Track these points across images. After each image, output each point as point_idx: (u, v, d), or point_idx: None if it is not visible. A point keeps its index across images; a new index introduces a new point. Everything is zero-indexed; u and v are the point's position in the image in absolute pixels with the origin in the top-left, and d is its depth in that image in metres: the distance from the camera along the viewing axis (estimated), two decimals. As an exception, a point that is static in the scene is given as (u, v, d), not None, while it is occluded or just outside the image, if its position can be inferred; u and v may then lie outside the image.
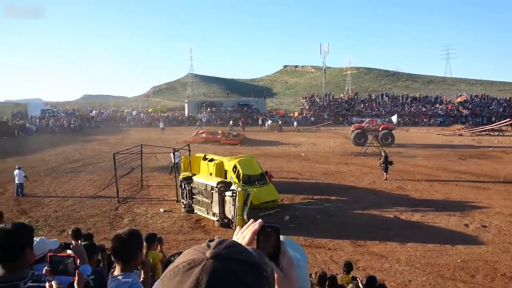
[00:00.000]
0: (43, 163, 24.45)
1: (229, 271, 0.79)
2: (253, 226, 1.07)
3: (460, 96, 62.25)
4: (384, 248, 10.49)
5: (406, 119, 54.92)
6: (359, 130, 32.71)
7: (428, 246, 10.58)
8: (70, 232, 6.73)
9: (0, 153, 28.32)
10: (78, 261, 2.46)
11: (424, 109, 58.11)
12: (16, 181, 16.20)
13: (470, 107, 57.70)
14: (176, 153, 19.66)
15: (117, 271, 2.75)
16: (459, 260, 9.64)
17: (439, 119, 54.91)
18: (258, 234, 1.04)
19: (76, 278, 2.31)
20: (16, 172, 16.22)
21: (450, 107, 58.40)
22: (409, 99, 62.44)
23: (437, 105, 59.27)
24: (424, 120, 54.89)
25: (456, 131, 42.58)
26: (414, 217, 13.07)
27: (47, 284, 2.02)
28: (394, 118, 38.58)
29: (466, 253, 10.09)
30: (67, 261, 2.34)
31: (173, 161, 19.79)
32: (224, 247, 0.84)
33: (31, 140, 36.88)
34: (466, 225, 12.23)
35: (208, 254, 0.81)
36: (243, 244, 0.98)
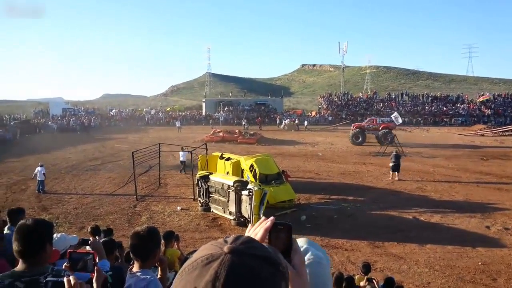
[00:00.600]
0: (64, 160, 24.96)
1: (246, 266, 0.80)
2: (265, 223, 1.08)
3: (482, 95, 60.90)
4: (403, 249, 10.33)
5: (427, 118, 54.01)
6: (357, 129, 32.52)
7: (448, 248, 10.38)
8: (89, 229, 6.85)
9: (22, 150, 29.07)
10: (97, 257, 2.49)
11: (445, 108, 57.06)
12: (38, 178, 16.58)
13: (492, 106, 56.41)
14: (182, 152, 19.87)
15: (135, 268, 2.78)
16: (480, 263, 9.42)
17: (460, 119, 53.87)
18: (270, 231, 1.05)
19: (95, 274, 2.33)
20: (37, 169, 16.60)
21: (472, 106, 57.20)
22: (429, 99, 61.40)
23: (458, 105, 58.12)
24: (445, 119, 53.89)
25: (478, 131, 41.66)
26: (434, 218, 12.83)
27: (65, 279, 2.05)
28: (398, 119, 37.84)
29: (487, 256, 9.85)
30: (87, 258, 2.37)
31: (180, 159, 20.07)
32: (241, 243, 0.86)
33: (52, 138, 37.68)
34: (488, 227, 11.94)
35: (225, 249, 0.82)
36: None
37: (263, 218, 1.12)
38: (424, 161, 23.67)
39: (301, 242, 1.33)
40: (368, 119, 36.76)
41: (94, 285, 2.33)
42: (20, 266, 2.28)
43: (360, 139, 31.66)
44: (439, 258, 9.76)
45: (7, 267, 2.35)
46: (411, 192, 16.23)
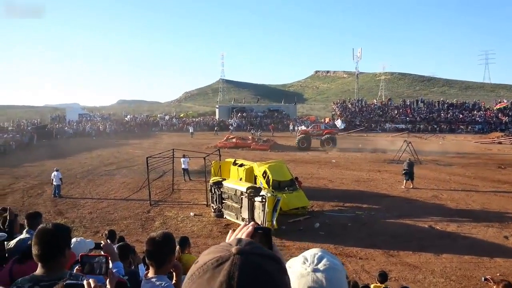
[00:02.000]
0: (80, 165, 25.30)
1: (256, 264, 0.86)
2: (246, 228, 1.14)
3: (500, 102, 59.82)
4: (418, 258, 10.17)
5: (443, 126, 53.30)
6: (303, 135, 34.47)
7: (464, 258, 10.18)
8: (106, 233, 6.92)
9: (39, 155, 29.58)
10: (110, 260, 2.50)
11: (461, 115, 56.22)
12: (54, 183, 16.82)
13: (510, 114, 55.33)
14: (183, 159, 19.85)
15: (150, 273, 2.79)
16: (498, 274, 9.19)
17: (477, 126, 52.95)
18: (251, 236, 1.11)
19: (108, 277, 2.33)
20: (54, 174, 16.85)
21: (488, 114, 56.24)
22: (445, 106, 60.59)
23: (475, 112, 57.20)
24: (461, 127, 53.05)
25: (495, 139, 40.93)
26: (450, 227, 12.61)
27: (85, 282, 2.07)
28: (339, 123, 39.96)
29: (505, 267, 9.63)
30: (94, 260, 2.36)
31: (182, 166, 20.01)
32: (245, 244, 0.91)
33: (68, 143, 38.28)
34: (506, 237, 11.68)
35: (234, 250, 0.87)
36: None
37: (243, 223, 1.18)
38: (440, 169, 23.33)
39: (316, 250, 1.33)
40: (313, 125, 39.56)
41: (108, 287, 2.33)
42: (39, 271, 2.30)
43: (305, 144, 33.38)
44: (455, 268, 9.58)
45: (35, 269, 2.38)
46: (426, 200, 15.99)
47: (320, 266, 1.20)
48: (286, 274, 0.93)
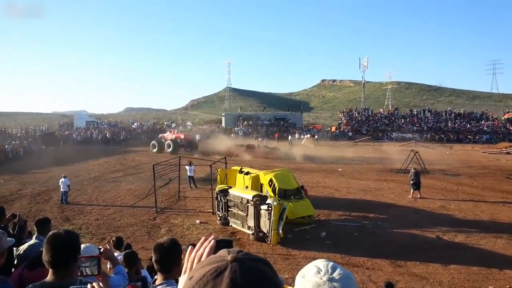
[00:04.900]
0: (86, 172, 25.42)
1: (254, 268, 0.90)
2: (208, 242, 1.18)
3: (508, 112, 59.48)
4: (426, 269, 10.06)
5: (450, 135, 53.02)
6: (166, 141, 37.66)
7: (473, 269, 10.05)
8: (113, 240, 6.95)
9: (47, 162, 29.78)
10: (109, 263, 2.49)
11: (468, 125, 55.94)
12: (61, 189, 16.91)
13: (518, 124, 54.97)
14: (188, 167, 19.85)
15: (159, 279, 2.80)
16: (507, 286, 9.08)
17: (484, 136, 52.63)
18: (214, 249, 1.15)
19: (101, 278, 2.31)
20: (61, 180, 16.95)
21: (496, 124, 55.91)
22: (453, 115, 60.35)
23: (482, 122, 56.90)
24: (469, 137, 52.76)
25: (503, 149, 40.60)
26: (458, 238, 12.47)
27: (89, 285, 2.07)
28: (197, 136, 44.45)
29: (515, 279, 9.49)
30: (91, 262, 2.35)
31: (188, 174, 20.02)
32: (237, 252, 0.95)
33: (76, 150, 38.51)
34: (515, 248, 11.53)
35: (229, 258, 0.91)
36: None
37: (203, 238, 1.21)
38: (447, 179, 23.15)
39: (325, 260, 1.33)
40: (172, 131, 43.59)
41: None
42: (50, 277, 2.31)
43: (156, 148, 36.79)
44: (463, 279, 9.46)
45: (45, 276, 2.38)
46: (434, 211, 15.85)
47: (335, 275, 1.20)
48: (277, 275, 0.97)
